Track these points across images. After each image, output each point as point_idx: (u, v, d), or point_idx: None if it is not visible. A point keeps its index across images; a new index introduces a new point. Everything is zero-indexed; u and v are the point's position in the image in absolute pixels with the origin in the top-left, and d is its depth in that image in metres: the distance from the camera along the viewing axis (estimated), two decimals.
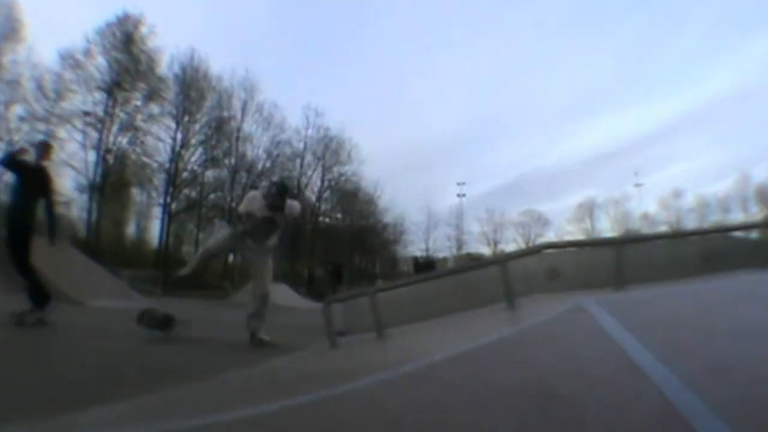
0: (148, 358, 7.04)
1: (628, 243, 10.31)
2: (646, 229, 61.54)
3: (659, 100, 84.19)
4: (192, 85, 46.52)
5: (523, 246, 60.20)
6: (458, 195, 60.61)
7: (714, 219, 61.73)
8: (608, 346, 4.35)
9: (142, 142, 44.03)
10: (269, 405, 3.92)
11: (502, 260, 9.27)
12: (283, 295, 30.34)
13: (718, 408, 2.77)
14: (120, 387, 4.92)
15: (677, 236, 17.91)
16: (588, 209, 65.12)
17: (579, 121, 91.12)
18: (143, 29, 44.08)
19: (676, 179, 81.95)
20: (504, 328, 6.77)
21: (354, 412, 3.61)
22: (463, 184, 60.51)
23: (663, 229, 61.37)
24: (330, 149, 55.13)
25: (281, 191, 8.76)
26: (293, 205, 8.92)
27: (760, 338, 4.16)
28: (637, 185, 60.84)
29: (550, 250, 10.99)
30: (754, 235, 15.10)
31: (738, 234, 14.07)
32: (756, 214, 60.10)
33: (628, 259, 9.16)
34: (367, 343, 8.27)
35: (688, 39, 79.55)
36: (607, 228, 63.58)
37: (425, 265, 54.98)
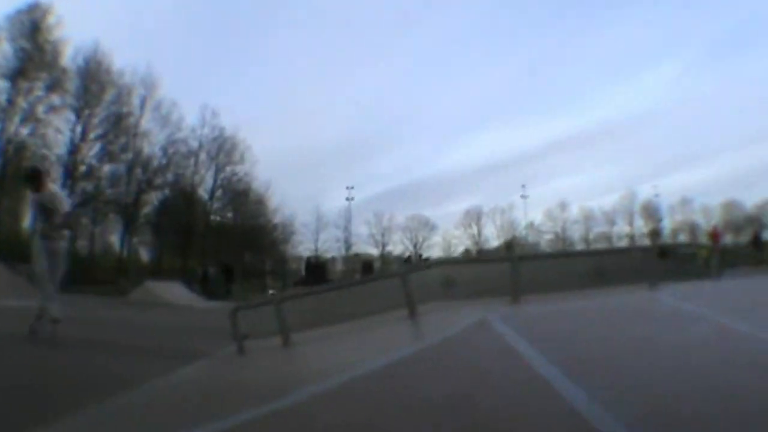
0: (64, 368, 6.32)
1: (524, 260, 10.74)
2: (532, 238, 64.46)
3: (551, 118, 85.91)
4: (94, 79, 44.55)
5: (410, 248, 63.37)
6: (347, 198, 60.85)
7: (599, 231, 65.32)
8: (516, 361, 4.55)
9: (43, 134, 42.14)
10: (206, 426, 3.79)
11: (403, 274, 9.46)
12: (178, 293, 29.72)
13: (628, 422, 2.98)
14: (46, 406, 4.49)
15: (570, 255, 18.62)
16: (475, 216, 66.73)
17: (471, 132, 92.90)
18: (51, 19, 42.31)
19: (563, 192, 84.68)
20: (413, 339, 6.91)
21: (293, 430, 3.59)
22: (353, 187, 60.63)
23: (548, 237, 65.34)
24: (224, 149, 54.41)
25: (30, 174, 8.96)
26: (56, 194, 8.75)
27: (659, 355, 4.46)
28: (524, 196, 62.61)
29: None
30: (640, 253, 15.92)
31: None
32: (641, 227, 64.76)
33: (523, 271, 9.53)
34: (275, 351, 8.19)
35: (586, 63, 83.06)
36: (493, 234, 65.62)
37: (317, 266, 55.17)
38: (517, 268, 9.40)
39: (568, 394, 3.55)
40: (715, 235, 31.90)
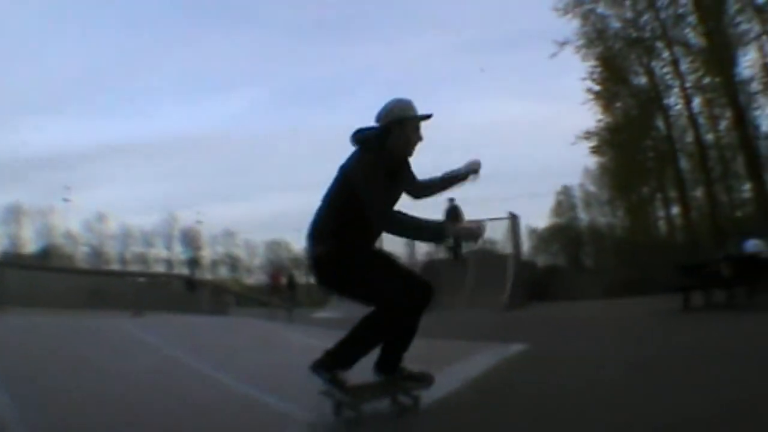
0: None
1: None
2: (69, 247, 58.13)
3: (108, 119, 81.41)
4: None
5: None
6: None
7: (137, 250, 61.10)
8: None
9: None
10: None
11: None
12: None
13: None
14: None
15: (61, 271, 17.65)
16: (15, 214, 58.62)
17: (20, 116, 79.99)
18: None
19: (106, 203, 76.09)
20: None
21: None
22: None
23: (85, 249, 59.25)
24: None
25: None
26: None
27: (87, 372, 4.49)
28: (66, 200, 55.97)
29: None
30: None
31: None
32: (181, 252, 62.07)
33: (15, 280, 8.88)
34: None
35: (159, 72, 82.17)
36: (32, 237, 58.28)
37: None
38: None
39: None
40: (276, 277, 33.86)
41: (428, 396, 3.78)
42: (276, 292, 29.88)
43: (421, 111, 3.64)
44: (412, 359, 3.63)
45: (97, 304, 9.64)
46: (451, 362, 6.04)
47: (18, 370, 4.46)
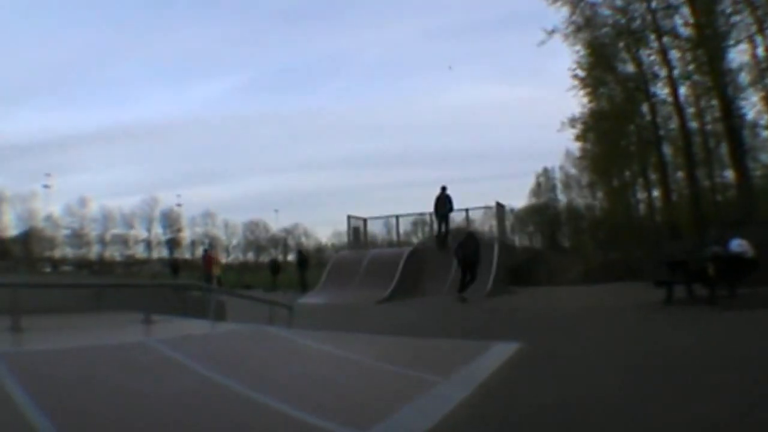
0: None
1: None
2: (50, 230, 59.54)
3: (87, 107, 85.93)
4: None
5: None
6: None
7: (117, 232, 61.83)
8: None
9: None
10: None
11: None
12: None
13: None
14: None
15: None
16: None
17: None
18: None
19: (87, 186, 77.60)
20: None
21: None
22: None
23: (66, 233, 60.08)
24: None
25: None
26: None
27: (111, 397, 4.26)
28: (46, 186, 55.14)
29: None
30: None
31: None
32: (162, 234, 62.48)
33: None
34: None
35: (140, 58, 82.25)
36: (12, 223, 57.50)
37: None
38: None
39: None
40: (208, 260, 28.68)
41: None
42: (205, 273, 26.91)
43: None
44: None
45: (100, 305, 9.08)
46: (453, 365, 6.37)
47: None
